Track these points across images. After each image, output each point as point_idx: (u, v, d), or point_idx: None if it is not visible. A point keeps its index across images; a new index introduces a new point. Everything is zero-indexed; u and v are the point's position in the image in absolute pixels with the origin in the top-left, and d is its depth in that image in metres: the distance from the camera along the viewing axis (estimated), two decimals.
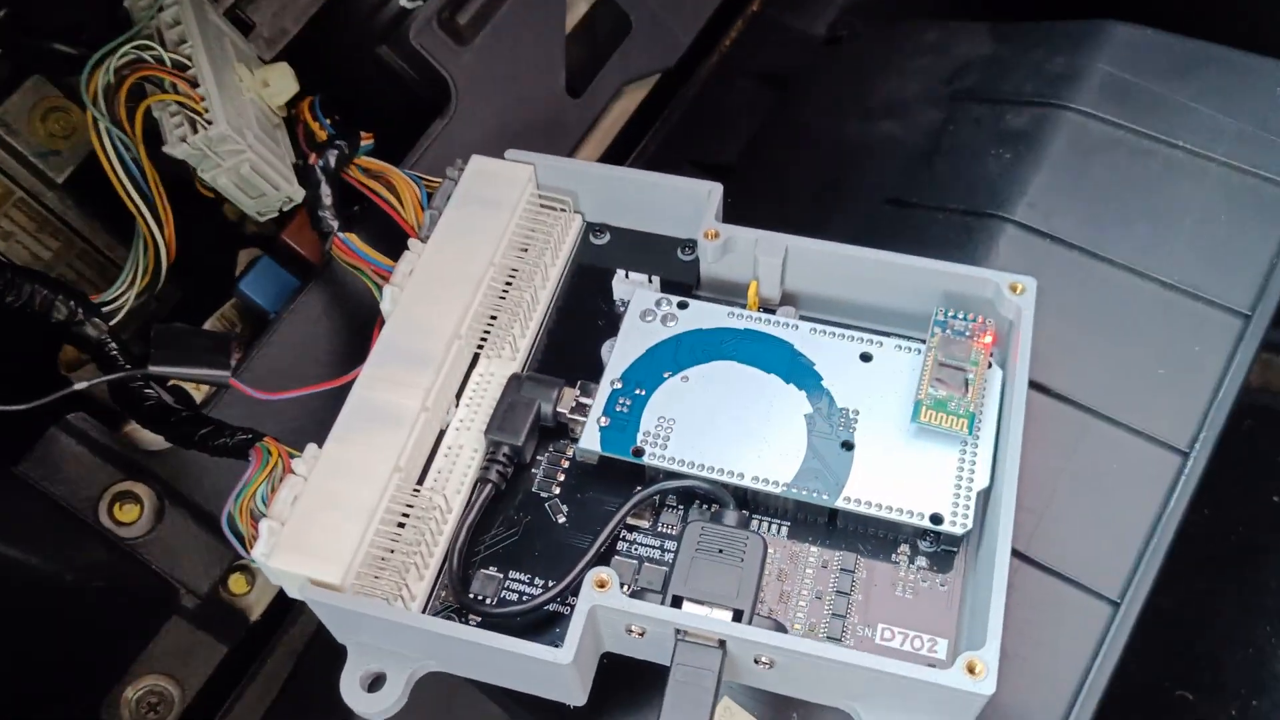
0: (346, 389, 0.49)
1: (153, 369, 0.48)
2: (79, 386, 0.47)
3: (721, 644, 0.42)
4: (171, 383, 0.59)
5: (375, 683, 0.45)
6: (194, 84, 0.52)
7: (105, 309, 0.53)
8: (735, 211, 0.66)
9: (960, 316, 0.50)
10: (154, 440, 0.55)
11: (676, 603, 0.43)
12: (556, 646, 0.42)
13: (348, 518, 0.45)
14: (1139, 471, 0.54)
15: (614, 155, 0.73)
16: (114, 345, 0.52)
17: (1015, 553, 0.53)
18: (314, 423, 0.49)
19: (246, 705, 0.59)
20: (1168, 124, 0.61)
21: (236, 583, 0.58)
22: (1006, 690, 0.50)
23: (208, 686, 0.58)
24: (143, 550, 0.55)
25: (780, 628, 0.43)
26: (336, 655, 0.45)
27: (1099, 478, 0.54)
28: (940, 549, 0.47)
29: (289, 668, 0.59)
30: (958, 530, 0.45)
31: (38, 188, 0.63)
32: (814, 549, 0.47)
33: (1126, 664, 0.51)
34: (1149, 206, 0.60)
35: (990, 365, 0.49)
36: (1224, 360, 0.56)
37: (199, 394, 0.60)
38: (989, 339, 0.49)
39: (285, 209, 0.57)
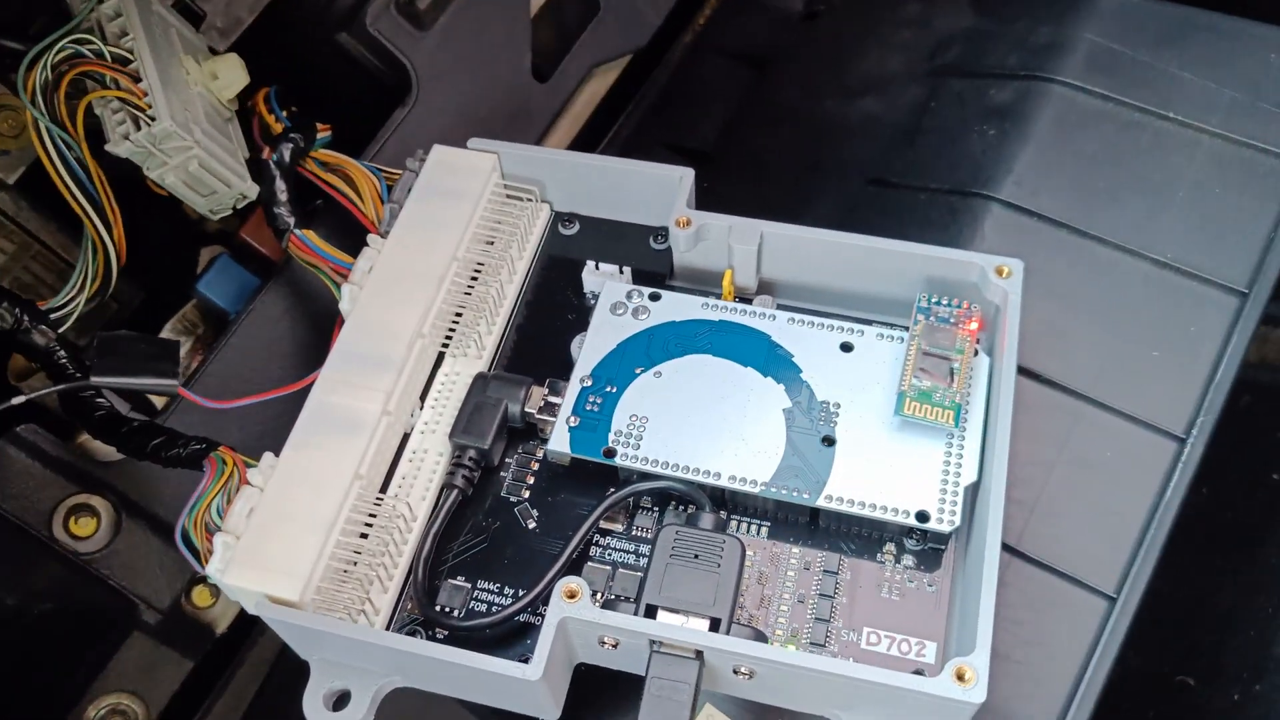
0: (304, 394, 0.47)
1: (95, 379, 0.46)
2: (19, 400, 0.45)
3: (699, 654, 0.40)
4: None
5: (340, 701, 0.43)
6: (136, 78, 0.50)
7: (53, 315, 0.51)
8: (712, 196, 0.63)
9: (944, 302, 0.47)
10: (109, 451, 0.53)
11: (651, 612, 0.41)
12: (526, 661, 0.40)
13: (306, 530, 0.43)
14: (1134, 460, 0.52)
15: (585, 141, 0.70)
16: (62, 354, 0.50)
17: (1007, 548, 0.51)
18: (276, 429, 0.47)
19: None
20: (1158, 95, 0.59)
21: (200, 595, 0.56)
22: (999, 692, 0.48)
23: (173, 703, 0.55)
24: (100, 565, 0.53)
25: (760, 636, 0.41)
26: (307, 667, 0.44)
27: (1093, 467, 0.52)
28: (927, 547, 0.45)
29: (258, 681, 0.57)
30: (945, 528, 0.43)
31: None
32: (795, 550, 0.45)
33: (1125, 652, 0.49)
34: (1140, 181, 0.58)
35: (976, 353, 0.47)
36: (1220, 341, 0.54)
37: (160, 400, 0.58)
38: (974, 325, 0.47)
39: (239, 206, 0.55)
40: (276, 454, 0.45)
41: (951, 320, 0.47)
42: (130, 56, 0.51)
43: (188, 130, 0.50)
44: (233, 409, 0.48)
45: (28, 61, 0.49)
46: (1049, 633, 0.49)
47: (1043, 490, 0.52)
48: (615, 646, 0.41)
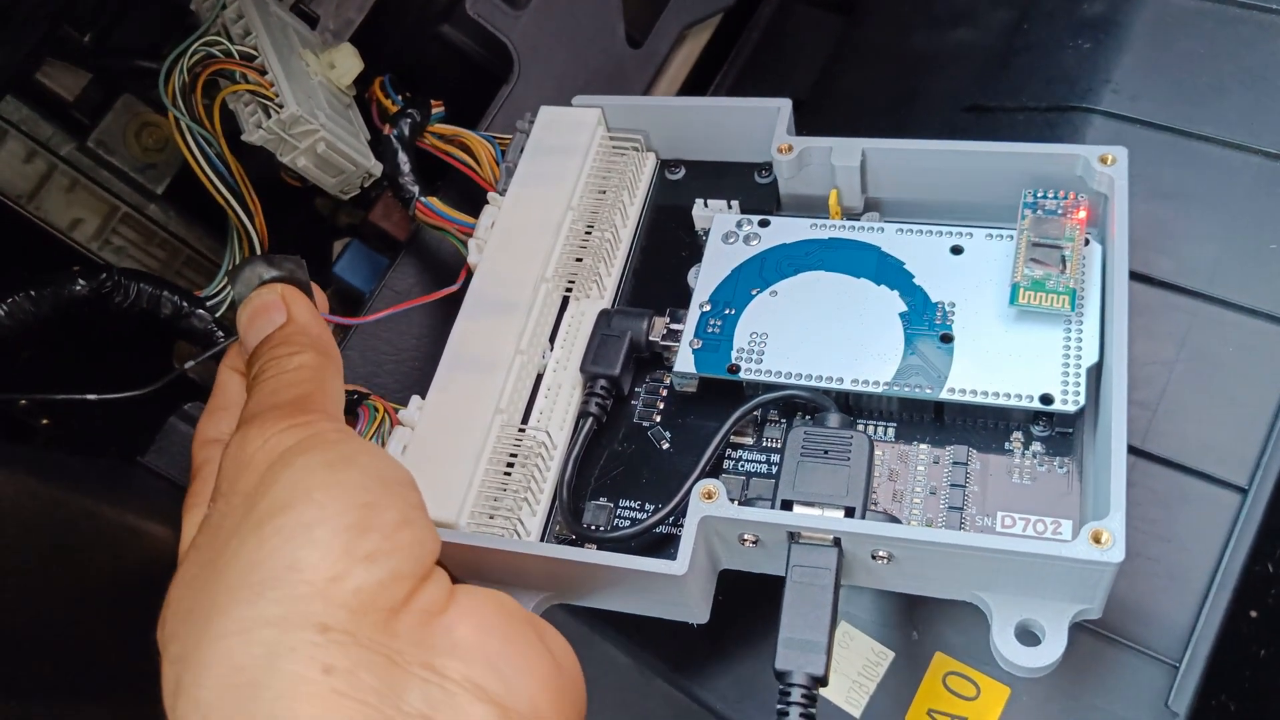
0: (442, 343, 0.50)
1: None
2: (189, 365, 0.49)
3: (836, 542, 0.41)
4: None
5: None
6: (262, 71, 0.54)
7: (210, 302, 0.54)
8: None
9: (1050, 196, 0.48)
10: None
11: (787, 507, 0.43)
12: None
13: (457, 460, 0.46)
14: (1257, 351, 0.51)
15: None
16: (220, 333, 0.54)
17: (1133, 449, 0.51)
18: (419, 380, 0.50)
19: None
20: None
21: None
22: (1136, 590, 0.49)
23: None
24: None
25: (894, 520, 0.42)
26: None
27: (1214, 363, 0.52)
28: (1055, 431, 0.45)
29: None
30: (1070, 408, 0.43)
31: (139, 201, 0.66)
32: (923, 447, 0.46)
33: (1261, 542, 0.48)
34: (1244, 76, 0.57)
35: (1087, 242, 0.47)
36: None
37: None
38: (1083, 214, 0.47)
39: (366, 184, 0.58)
40: (423, 397, 0.48)
41: (1059, 212, 0.47)
42: (255, 53, 0.54)
43: (312, 115, 0.54)
44: (379, 365, 0.51)
45: (166, 67, 0.54)
46: (1182, 529, 0.49)
47: (1165, 389, 0.52)
48: (755, 543, 0.43)
